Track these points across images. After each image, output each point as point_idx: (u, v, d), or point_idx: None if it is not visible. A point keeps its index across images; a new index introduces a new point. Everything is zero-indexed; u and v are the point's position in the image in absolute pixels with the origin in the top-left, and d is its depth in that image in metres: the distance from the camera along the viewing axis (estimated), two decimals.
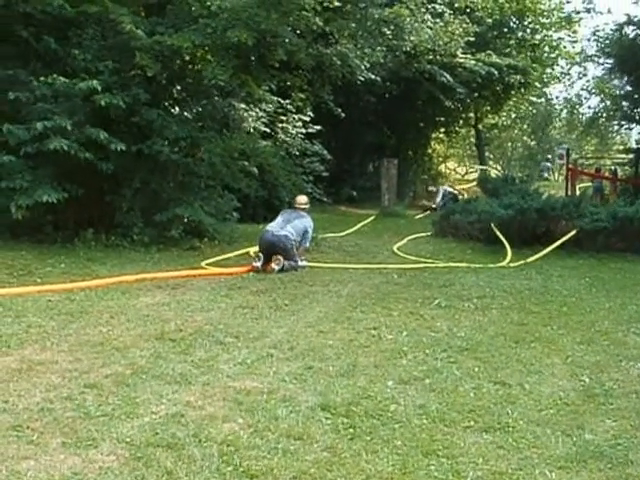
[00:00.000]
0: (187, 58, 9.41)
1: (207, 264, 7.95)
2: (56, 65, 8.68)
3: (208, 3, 9.08)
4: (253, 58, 9.81)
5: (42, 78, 8.29)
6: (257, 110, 13.17)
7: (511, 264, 8.94)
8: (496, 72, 18.83)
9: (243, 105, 12.67)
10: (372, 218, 14.80)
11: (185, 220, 9.09)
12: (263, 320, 5.54)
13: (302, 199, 8.87)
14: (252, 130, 12.85)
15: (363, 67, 13.18)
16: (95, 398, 3.68)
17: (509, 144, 32.61)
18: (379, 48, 13.21)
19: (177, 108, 10.06)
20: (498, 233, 10.22)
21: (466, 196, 18.03)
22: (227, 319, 5.49)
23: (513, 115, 27.80)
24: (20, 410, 3.47)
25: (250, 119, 12.84)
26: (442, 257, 9.48)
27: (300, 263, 8.06)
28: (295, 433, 3.33)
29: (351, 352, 4.71)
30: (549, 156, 31.63)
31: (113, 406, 3.57)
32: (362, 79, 14.06)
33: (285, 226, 8.12)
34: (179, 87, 9.98)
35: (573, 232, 10.01)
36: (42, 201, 7.78)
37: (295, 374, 4.19)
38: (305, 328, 5.30)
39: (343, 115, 16.05)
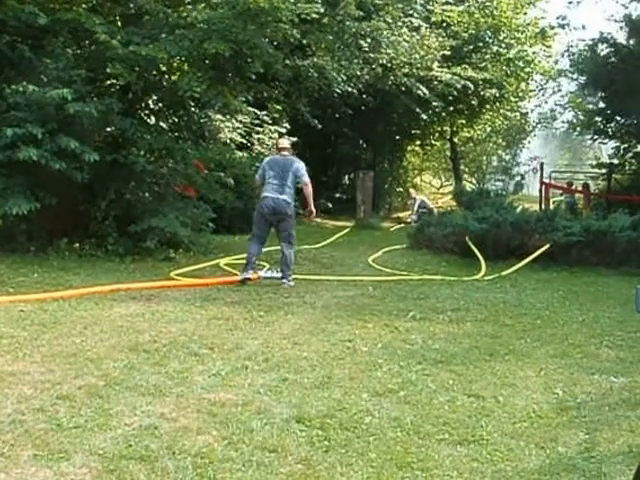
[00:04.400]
0: (163, 68, 9.38)
1: (176, 274, 7.90)
2: (31, 73, 8.61)
3: (185, 14, 9.08)
4: (230, 69, 9.81)
5: (13, 86, 8.21)
6: (233, 121, 13.15)
7: (485, 277, 9.03)
8: (472, 86, 19.08)
9: (219, 116, 12.65)
10: (347, 230, 14.85)
11: (160, 231, 9.02)
12: (238, 331, 5.51)
13: (285, 142, 8.49)
14: (228, 141, 12.83)
15: (340, 79, 13.26)
16: (67, 410, 3.62)
17: (484, 157, 32.99)
18: (356, 61, 13.32)
19: (153, 118, 10.01)
20: (472, 247, 10.31)
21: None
22: (202, 330, 5.45)
23: (488, 129, 28.14)
24: None
25: (226, 130, 12.82)
26: (417, 270, 9.54)
27: (286, 282, 7.84)
28: (270, 445, 3.31)
29: (326, 364, 4.70)
30: (524, 169, 32.07)
31: (86, 418, 3.52)
32: (339, 91, 14.14)
33: (283, 188, 7.88)
34: (155, 97, 9.94)
35: (547, 246, 10.14)
36: (12, 213, 7.68)
37: (270, 386, 4.17)
38: (280, 340, 5.29)
39: (319, 127, 16.12)
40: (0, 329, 5.16)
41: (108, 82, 8.90)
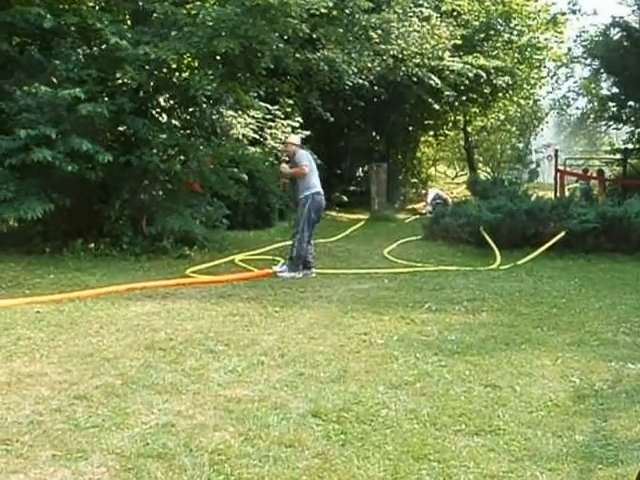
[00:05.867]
0: (173, 66, 9.39)
1: (192, 272, 7.93)
2: (41, 75, 8.65)
3: (194, 12, 9.08)
4: (240, 65, 9.80)
5: (25, 88, 8.23)
6: (245, 117, 13.16)
7: (501, 266, 8.97)
8: (484, 74, 18.91)
9: (231, 112, 12.66)
10: (362, 223, 14.82)
11: (176, 230, 9.06)
12: (254, 327, 5.52)
13: (295, 139, 8.73)
14: (241, 137, 12.84)
15: (351, 72, 13.19)
16: (85, 409, 3.65)
17: (498, 146, 32.72)
18: (366, 53, 13.25)
19: (165, 116, 10.04)
20: (487, 237, 10.25)
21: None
22: (217, 327, 5.47)
23: (502, 117, 27.89)
24: (9, 423, 3.43)
25: (239, 126, 12.82)
26: (432, 260, 9.50)
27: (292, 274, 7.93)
28: (286, 440, 3.31)
29: (342, 358, 4.70)
30: (538, 157, 31.75)
31: (103, 417, 3.55)
32: (350, 84, 14.08)
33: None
34: (166, 95, 9.97)
35: (562, 233, 10.05)
36: (26, 217, 7.75)
37: (286, 381, 4.17)
38: (296, 334, 5.29)
39: (332, 120, 16.07)
40: (17, 331, 5.20)
41: (119, 81, 8.90)
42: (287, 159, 8.41)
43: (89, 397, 3.83)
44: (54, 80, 8.63)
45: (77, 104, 8.11)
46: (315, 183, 8.09)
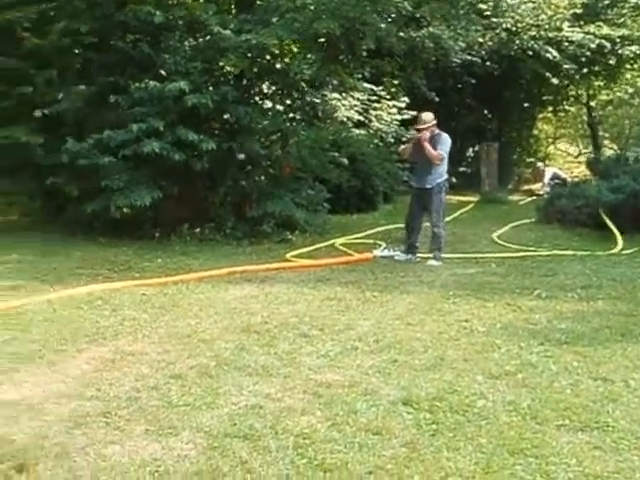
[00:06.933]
0: (276, 51, 9.45)
1: (292, 256, 7.96)
2: (151, 70, 9.07)
3: None
4: (342, 47, 9.71)
5: (137, 83, 8.64)
6: (350, 99, 13.05)
7: (623, 251, 8.33)
8: (608, 44, 17.62)
9: (336, 95, 12.61)
10: (471, 205, 14.33)
11: (277, 214, 9.16)
12: (350, 312, 5.43)
13: (431, 117, 7.84)
14: (345, 119, 12.75)
15: (457, 48, 12.72)
16: (179, 388, 3.73)
17: (626, 122, 30.51)
18: (474, 27, 12.70)
19: (267, 102, 10.16)
20: (607, 220, 9.56)
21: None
22: (313, 311, 5.43)
23: (630, 90, 25.94)
24: (110, 398, 3.60)
25: (343, 108, 12.74)
26: (546, 245, 8.98)
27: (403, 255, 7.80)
28: (374, 427, 3.21)
29: (439, 345, 4.51)
30: None
31: (195, 396, 3.61)
32: (458, 61, 13.60)
33: None
34: (268, 82, 10.07)
35: None
36: (137, 205, 8.14)
37: (379, 367, 4.06)
38: (393, 320, 5.15)
39: (441, 99, 15.59)
40: (124, 311, 5.44)
41: (222, 71, 9.10)
42: (419, 141, 7.78)
43: (184, 376, 3.91)
44: (163, 73, 8.97)
45: (183, 96, 8.37)
46: (446, 169, 7.81)
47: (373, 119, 14.25)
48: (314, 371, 4.01)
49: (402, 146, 8.12)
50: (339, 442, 3.06)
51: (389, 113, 14.33)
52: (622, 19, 19.78)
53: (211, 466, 2.85)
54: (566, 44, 17.23)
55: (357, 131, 13.23)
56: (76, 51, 9.54)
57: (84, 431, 3.20)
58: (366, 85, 11.97)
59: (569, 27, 17.37)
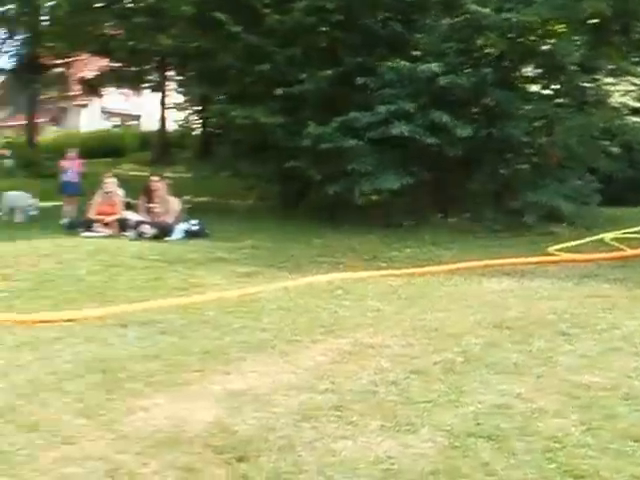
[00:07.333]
0: (539, 32, 8.80)
1: (555, 249, 7.37)
2: (401, 50, 8.79)
3: None
4: (614, 29, 8.74)
5: (388, 63, 8.39)
6: (625, 84, 11.69)
7: None
8: None
9: (610, 79, 11.39)
10: None
11: (540, 205, 8.53)
12: (615, 311, 4.88)
13: None
14: (619, 106, 11.45)
15: None
16: (420, 384, 3.57)
17: None
18: None
19: (531, 86, 9.52)
20: None
21: None
22: (574, 308, 4.95)
23: None
24: (344, 391, 3.49)
25: (617, 94, 11.46)
26: None
27: None
28: (634, 434, 2.87)
29: None
30: None
31: (438, 393, 3.43)
32: None
33: None
34: (532, 64, 9.42)
35: None
36: (383, 189, 7.92)
37: None
38: None
39: None
40: (367, 302, 5.32)
41: (481, 52, 8.65)
42: None
43: (426, 372, 3.73)
44: (415, 54, 8.72)
45: (436, 77, 8.09)
46: None
47: None
48: (571, 371, 3.67)
49: None
50: (593, 447, 2.79)
51: None
52: None
53: (450, 466, 2.69)
54: None
55: (633, 119, 11.82)
56: (322, 29, 9.14)
57: (313, 425, 3.06)
58: None
59: None
